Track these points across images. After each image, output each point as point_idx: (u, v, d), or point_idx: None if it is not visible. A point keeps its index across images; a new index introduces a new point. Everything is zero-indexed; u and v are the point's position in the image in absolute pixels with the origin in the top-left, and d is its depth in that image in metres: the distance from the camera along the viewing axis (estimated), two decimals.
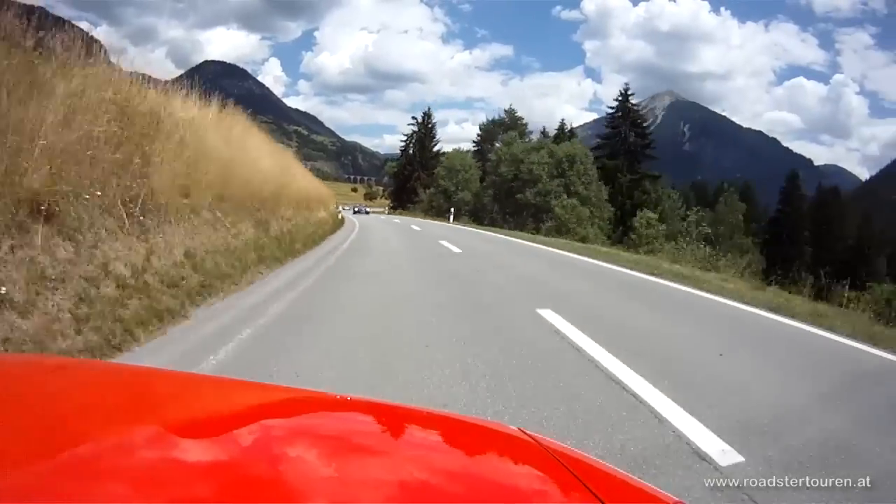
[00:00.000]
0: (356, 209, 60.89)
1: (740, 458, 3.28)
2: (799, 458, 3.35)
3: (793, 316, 8.39)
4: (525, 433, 1.16)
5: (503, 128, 64.65)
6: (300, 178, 21.85)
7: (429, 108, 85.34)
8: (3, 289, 3.87)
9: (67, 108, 5.46)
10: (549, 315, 6.69)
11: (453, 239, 20.29)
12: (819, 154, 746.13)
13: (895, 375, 5.95)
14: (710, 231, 40.29)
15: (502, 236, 27.33)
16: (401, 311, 7.18)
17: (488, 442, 1.18)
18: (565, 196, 44.52)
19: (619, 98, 62.03)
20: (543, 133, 66.43)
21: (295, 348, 5.02)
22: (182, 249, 7.16)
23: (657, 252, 25.59)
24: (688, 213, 47.36)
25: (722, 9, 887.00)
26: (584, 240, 33.02)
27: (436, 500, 0.84)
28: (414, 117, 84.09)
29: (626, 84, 63.68)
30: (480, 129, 71.91)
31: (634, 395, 4.15)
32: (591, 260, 16.11)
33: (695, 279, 12.21)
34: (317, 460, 0.93)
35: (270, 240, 11.10)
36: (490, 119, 72.38)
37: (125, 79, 7.65)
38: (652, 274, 12.87)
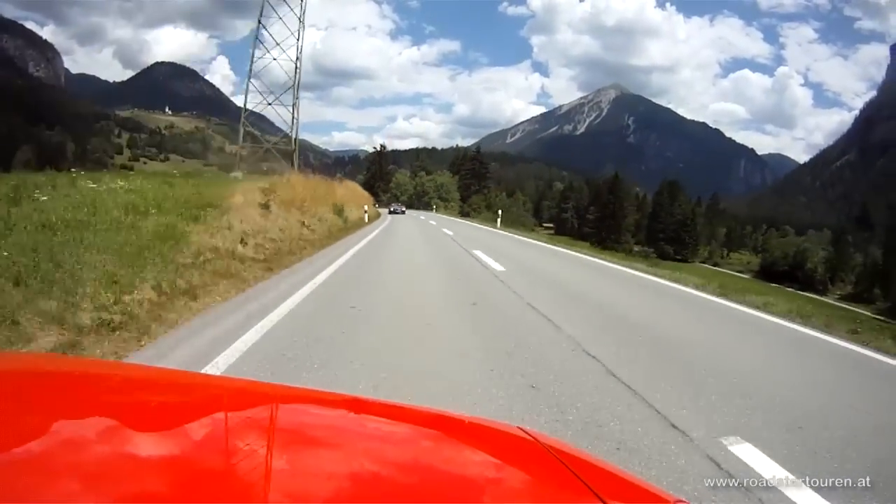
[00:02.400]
0: (392, 209, 60.95)
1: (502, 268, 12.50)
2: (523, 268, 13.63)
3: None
4: (525, 431, 1.20)
5: (422, 166, 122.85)
6: (362, 195, 46.63)
7: (384, 143, 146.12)
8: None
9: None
10: (430, 220, 44.61)
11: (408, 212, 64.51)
12: (765, 143, 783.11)
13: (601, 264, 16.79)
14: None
15: (415, 210, 77.24)
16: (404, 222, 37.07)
17: (488, 441, 1.21)
18: (437, 198, 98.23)
19: (475, 150, 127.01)
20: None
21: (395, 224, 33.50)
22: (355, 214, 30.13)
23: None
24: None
25: (667, 4, 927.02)
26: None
27: (436, 499, 0.86)
28: (374, 147, 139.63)
29: (478, 145, 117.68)
30: (417, 157, 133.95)
31: (471, 253, 16.29)
32: (444, 216, 65.80)
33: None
34: (315, 458, 0.96)
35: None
36: (421, 151, 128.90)
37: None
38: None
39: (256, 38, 54.36)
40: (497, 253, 16.87)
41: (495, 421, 1.40)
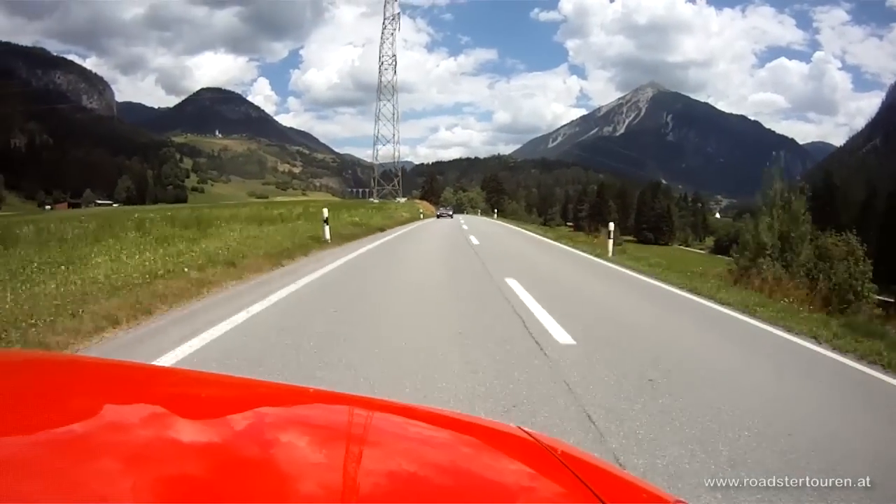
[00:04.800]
0: (439, 213, 69.54)
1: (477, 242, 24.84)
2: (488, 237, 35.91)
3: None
4: (525, 431, 1.25)
5: (461, 186, 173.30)
6: (416, 203, 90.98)
7: (434, 174, 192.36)
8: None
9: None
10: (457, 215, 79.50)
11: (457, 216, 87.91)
12: (808, 132, 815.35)
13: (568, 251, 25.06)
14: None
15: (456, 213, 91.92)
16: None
17: (488, 440, 1.25)
18: (469, 207, 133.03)
19: (494, 176, 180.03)
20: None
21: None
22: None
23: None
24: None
25: None
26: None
27: (434, 499, 0.89)
28: (424, 175, 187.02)
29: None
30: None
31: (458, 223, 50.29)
32: (468, 215, 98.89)
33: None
34: (315, 456, 1.01)
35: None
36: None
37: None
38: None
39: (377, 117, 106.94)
40: (466, 219, 63.80)
41: (494, 421, 1.49)
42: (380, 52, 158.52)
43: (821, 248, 24.31)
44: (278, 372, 5.04)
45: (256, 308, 7.62)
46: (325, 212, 18.90)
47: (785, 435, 4.18)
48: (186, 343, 5.78)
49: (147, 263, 9.36)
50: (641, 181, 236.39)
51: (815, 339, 8.06)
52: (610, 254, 19.00)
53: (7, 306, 6.23)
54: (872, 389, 6.06)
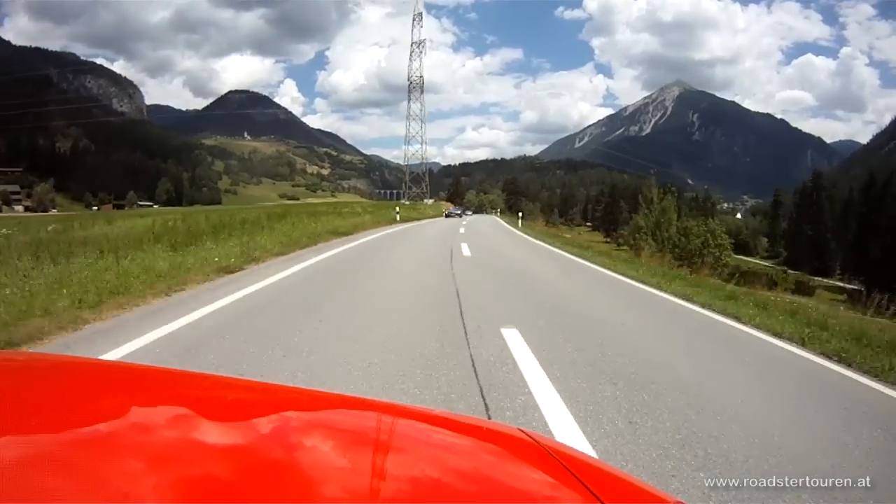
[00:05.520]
0: (447, 213, 76.04)
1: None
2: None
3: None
4: (524, 432, 1.27)
5: (482, 189, 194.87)
6: (441, 204, 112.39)
7: (459, 177, 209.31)
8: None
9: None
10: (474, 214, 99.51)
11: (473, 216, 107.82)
12: (836, 130, 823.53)
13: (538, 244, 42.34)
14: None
15: (476, 214, 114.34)
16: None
17: (487, 441, 1.27)
18: (489, 207, 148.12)
19: (512, 179, 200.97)
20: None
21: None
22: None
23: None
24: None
25: None
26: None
27: (434, 500, 0.91)
28: (450, 176, 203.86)
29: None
30: (479, 184, 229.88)
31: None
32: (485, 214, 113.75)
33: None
34: (315, 457, 1.03)
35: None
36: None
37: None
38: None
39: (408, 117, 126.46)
40: (469, 219, 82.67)
41: (494, 422, 1.52)
42: (408, 73, 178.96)
43: (683, 228, 40.60)
44: (401, 239, 25.66)
45: (395, 229, 32.32)
46: (397, 208, 42.38)
47: (525, 266, 20.54)
48: (385, 231, 29.93)
49: (357, 221, 31.47)
50: (666, 181, 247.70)
51: (585, 259, 27.25)
52: (519, 225, 42.39)
53: (334, 226, 26.80)
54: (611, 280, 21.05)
